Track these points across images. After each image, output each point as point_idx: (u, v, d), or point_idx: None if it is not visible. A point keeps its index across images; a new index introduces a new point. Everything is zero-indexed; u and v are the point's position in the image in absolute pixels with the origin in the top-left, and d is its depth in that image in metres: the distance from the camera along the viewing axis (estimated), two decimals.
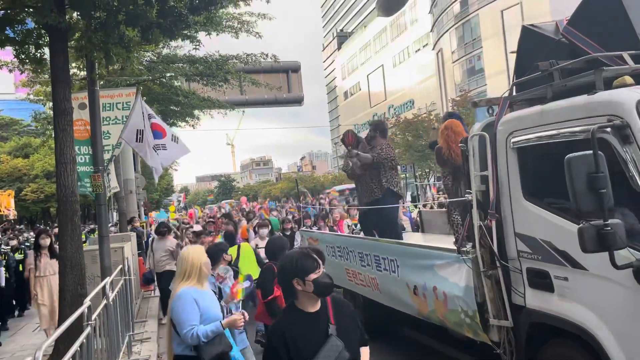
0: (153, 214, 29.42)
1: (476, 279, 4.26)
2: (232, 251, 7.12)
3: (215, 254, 5.02)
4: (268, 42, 13.76)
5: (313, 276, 2.57)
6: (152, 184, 34.04)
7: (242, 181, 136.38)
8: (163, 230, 9.49)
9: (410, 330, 7.17)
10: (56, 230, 18.84)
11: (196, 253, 3.84)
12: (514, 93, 4.59)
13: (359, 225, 9.62)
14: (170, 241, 9.33)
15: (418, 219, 9.47)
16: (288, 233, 10.27)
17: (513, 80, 4.68)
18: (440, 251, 4.94)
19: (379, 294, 6.13)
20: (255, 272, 6.32)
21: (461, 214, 6.01)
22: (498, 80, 50.57)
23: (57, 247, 8.18)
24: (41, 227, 26.69)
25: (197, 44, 8.47)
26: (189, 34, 7.46)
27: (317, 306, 2.64)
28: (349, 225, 10.57)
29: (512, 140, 4.10)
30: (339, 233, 9.88)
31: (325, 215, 11.61)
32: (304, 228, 9.39)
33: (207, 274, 3.83)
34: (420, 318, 5.42)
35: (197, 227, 13.66)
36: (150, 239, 11.52)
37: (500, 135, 4.25)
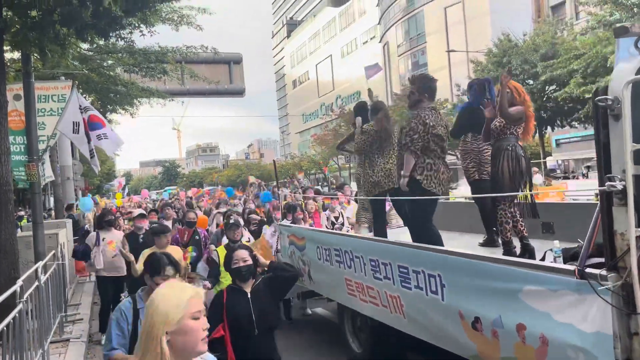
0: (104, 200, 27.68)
1: (620, 324, 2.69)
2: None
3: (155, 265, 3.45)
4: (217, 26, 14.11)
5: None
6: (92, 169, 33.33)
7: (188, 167, 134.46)
8: (110, 219, 7.72)
9: None
10: None
11: (166, 302, 1.74)
12: None
13: (340, 219, 8.51)
14: (115, 236, 7.61)
15: None
16: (254, 229, 8.36)
17: None
18: (535, 270, 3.14)
19: (402, 319, 4.44)
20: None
21: (516, 208, 4.67)
22: (440, 76, 52.32)
23: None
24: None
25: (131, 43, 8.86)
26: (123, 34, 7.87)
27: None
28: (328, 219, 8.52)
29: None
30: (322, 229, 7.69)
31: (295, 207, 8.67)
32: (284, 221, 7.52)
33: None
34: None
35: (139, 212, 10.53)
36: (88, 232, 8.88)
37: None
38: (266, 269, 4.10)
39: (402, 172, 4.97)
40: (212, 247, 6.87)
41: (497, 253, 4.60)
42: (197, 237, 7.93)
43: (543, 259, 3.84)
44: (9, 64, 10.22)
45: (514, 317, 3.22)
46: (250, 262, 3.79)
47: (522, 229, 4.61)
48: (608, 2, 18.56)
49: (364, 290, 4.98)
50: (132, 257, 5.92)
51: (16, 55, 9.81)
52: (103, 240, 7.39)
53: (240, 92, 21.00)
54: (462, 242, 5.64)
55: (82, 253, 7.66)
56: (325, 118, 63.39)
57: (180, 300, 1.74)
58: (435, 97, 5.16)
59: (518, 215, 4.65)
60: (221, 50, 17.91)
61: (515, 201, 4.66)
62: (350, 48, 76.27)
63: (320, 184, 54.68)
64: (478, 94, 5.40)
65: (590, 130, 26.92)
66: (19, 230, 9.58)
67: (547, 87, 24.04)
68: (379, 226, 6.11)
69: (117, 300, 7.75)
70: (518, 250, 4.54)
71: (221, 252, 6.00)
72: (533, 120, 4.82)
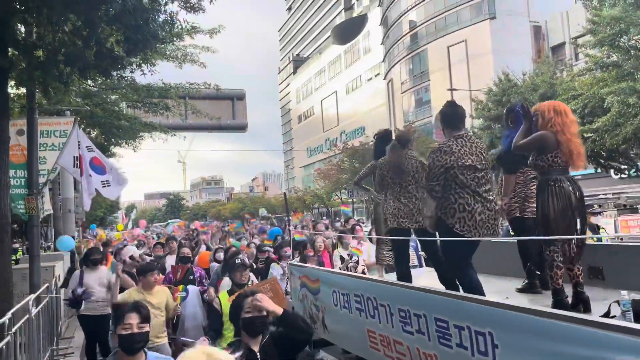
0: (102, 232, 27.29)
1: None
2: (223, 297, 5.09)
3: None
4: (224, 63, 14.41)
5: None
6: (95, 200, 33.62)
7: (192, 200, 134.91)
8: (96, 258, 7.19)
9: None
10: None
11: None
12: None
13: (355, 257, 7.55)
14: (103, 273, 7.21)
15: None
16: (262, 266, 7.72)
17: None
18: (632, 336, 2.30)
19: None
20: None
21: (572, 249, 3.93)
22: None
23: None
24: None
25: (132, 81, 9.15)
26: (124, 74, 8.15)
27: None
28: (342, 258, 7.66)
29: None
30: (334, 270, 6.91)
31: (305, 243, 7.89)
32: (294, 260, 6.95)
33: None
34: None
35: (131, 250, 9.90)
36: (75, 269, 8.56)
37: None
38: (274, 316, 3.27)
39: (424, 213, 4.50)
40: (212, 290, 6.32)
41: (540, 300, 4.13)
42: (191, 277, 7.24)
43: (608, 313, 3.23)
44: (15, 99, 10.55)
45: None
46: (265, 313, 3.10)
47: (578, 273, 3.90)
48: (605, 45, 18.95)
49: (391, 345, 4.19)
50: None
51: (21, 90, 10.13)
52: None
53: (242, 128, 21.34)
54: (494, 287, 4.79)
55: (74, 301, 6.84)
56: (329, 153, 63.96)
57: None
58: (462, 124, 4.45)
59: (575, 259, 3.94)
60: (226, 86, 18.30)
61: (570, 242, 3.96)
62: (355, 84, 77.41)
63: (322, 218, 54.67)
64: (520, 119, 4.49)
65: (591, 169, 26.95)
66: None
67: None
68: (404, 269, 5.27)
69: (103, 337, 7.67)
70: (569, 300, 3.87)
71: (223, 299, 5.07)
72: (573, 145, 3.93)
